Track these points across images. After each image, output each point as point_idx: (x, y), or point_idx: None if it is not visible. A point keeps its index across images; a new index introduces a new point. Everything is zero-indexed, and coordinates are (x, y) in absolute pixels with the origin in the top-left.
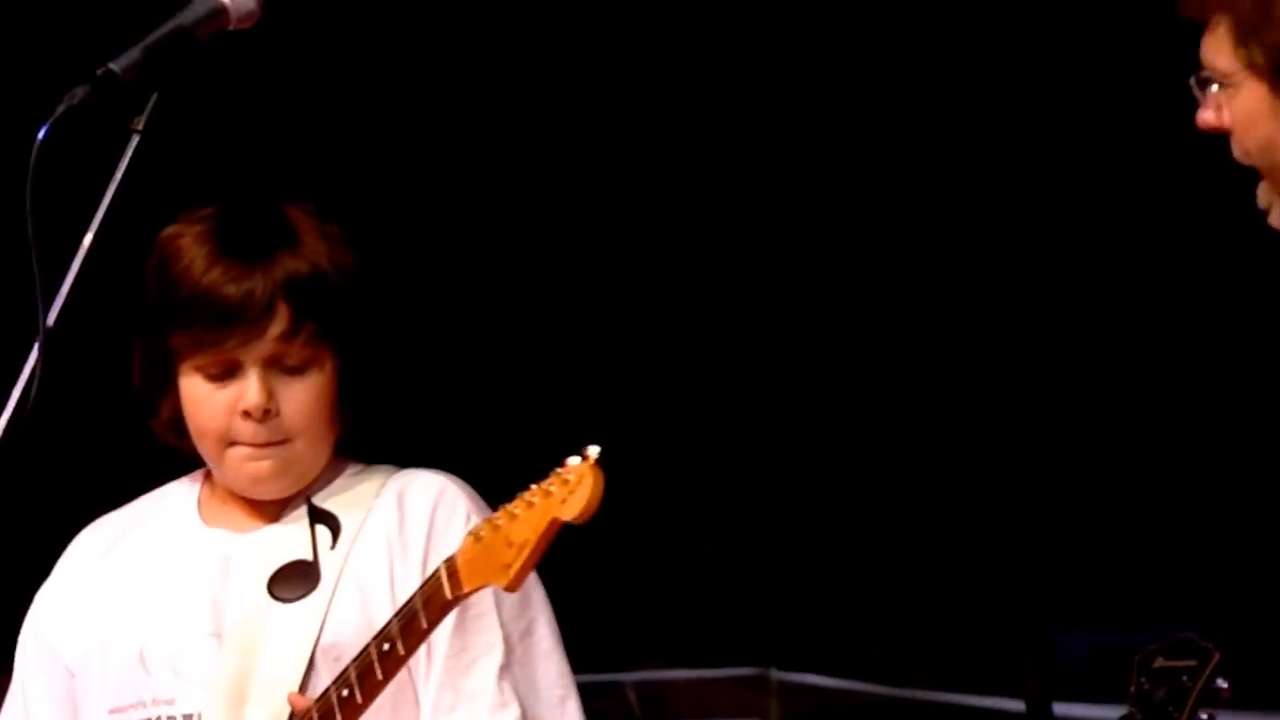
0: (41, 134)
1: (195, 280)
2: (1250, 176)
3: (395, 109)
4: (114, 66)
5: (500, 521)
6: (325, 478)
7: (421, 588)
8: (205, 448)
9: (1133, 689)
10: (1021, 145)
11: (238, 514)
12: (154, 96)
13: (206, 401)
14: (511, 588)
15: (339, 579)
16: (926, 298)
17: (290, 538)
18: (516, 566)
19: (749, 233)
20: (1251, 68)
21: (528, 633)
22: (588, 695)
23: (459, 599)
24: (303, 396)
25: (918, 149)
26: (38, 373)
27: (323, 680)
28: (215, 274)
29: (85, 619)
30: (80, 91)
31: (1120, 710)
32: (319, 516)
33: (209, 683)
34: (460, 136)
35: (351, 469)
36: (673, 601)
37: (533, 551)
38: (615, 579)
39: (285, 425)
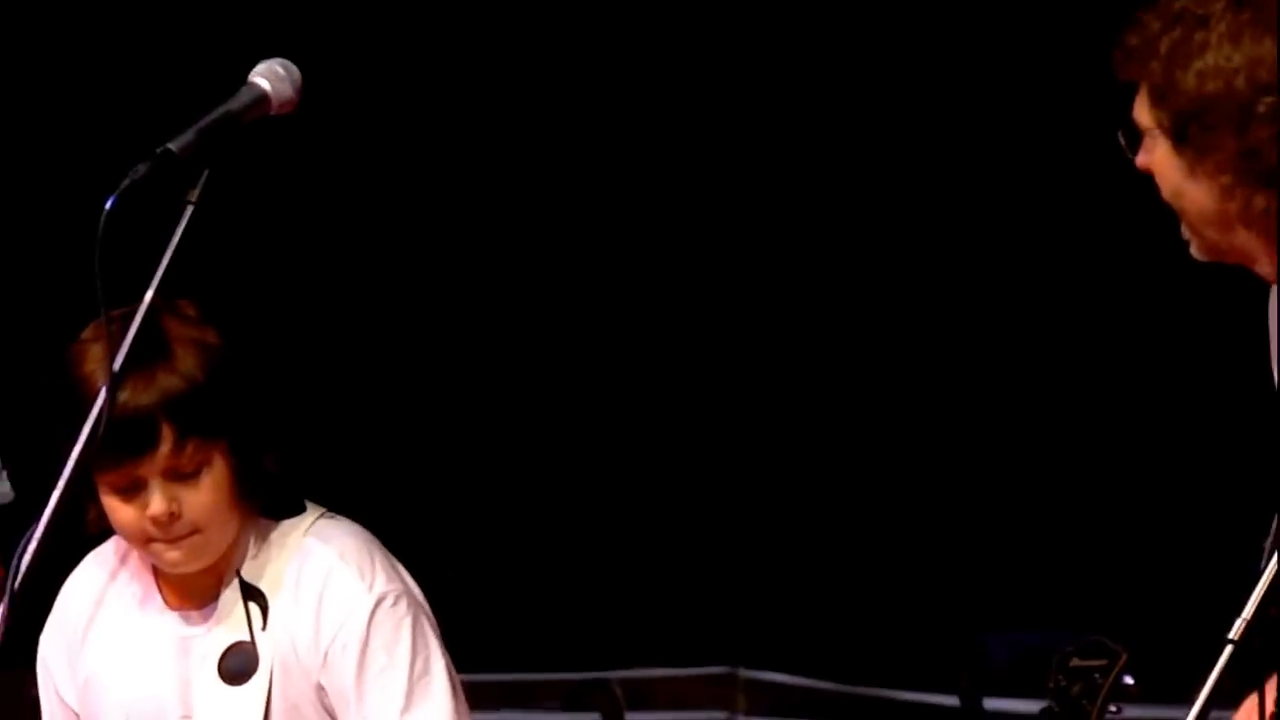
0: (108, 204)
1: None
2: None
3: (394, 111)
4: (171, 146)
5: None
6: (249, 543)
7: None
8: (129, 543)
9: (1051, 685)
10: (1013, 144)
11: (187, 588)
12: (205, 172)
13: (120, 511)
14: None
15: (272, 662)
16: (879, 322)
17: (230, 617)
18: None
19: (723, 232)
20: (1160, 127)
21: (423, 674)
22: (581, 690)
23: None
24: (201, 497)
25: (914, 147)
26: (106, 411)
27: None
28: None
29: (81, 688)
30: (142, 168)
31: (1041, 704)
32: (250, 593)
33: None
34: (458, 138)
35: (271, 531)
36: (653, 607)
37: None
38: (602, 588)
39: (190, 521)
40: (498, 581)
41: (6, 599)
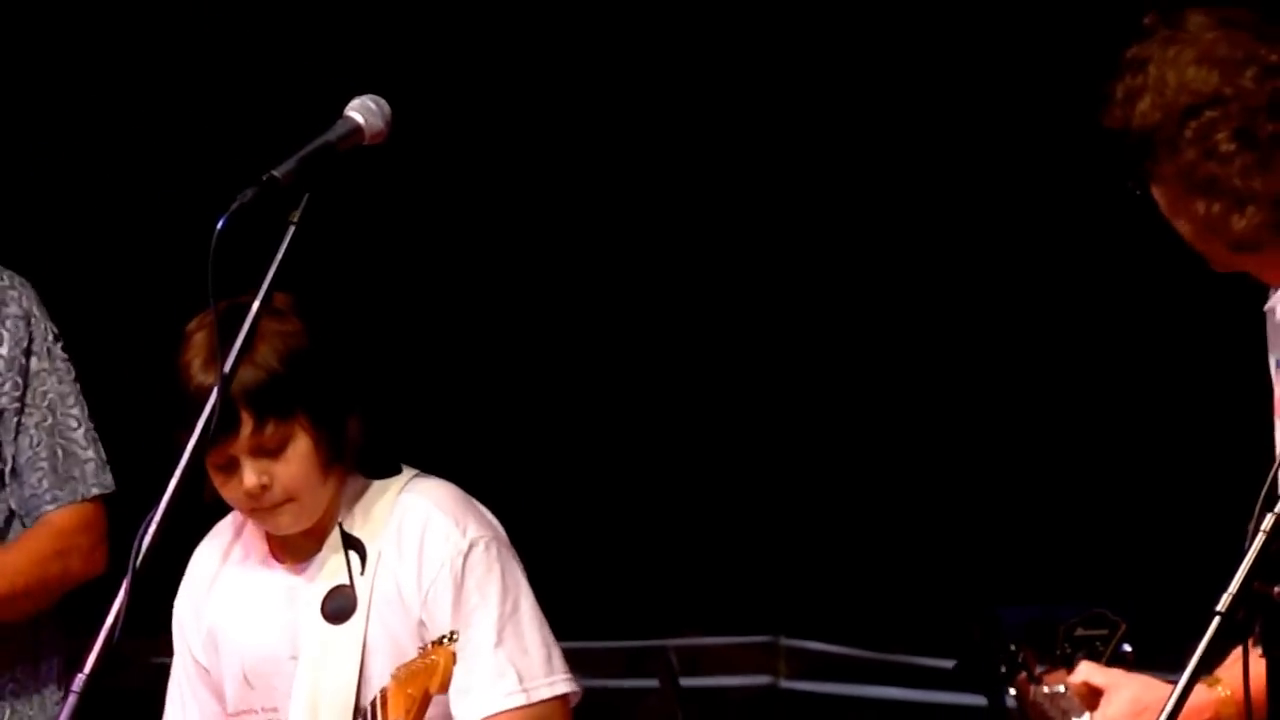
0: (220, 224)
1: (187, 393)
2: None
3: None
4: (276, 173)
5: (403, 673)
6: (349, 500)
7: (370, 708)
8: (238, 512)
9: (1058, 653)
10: (1013, 144)
11: (294, 546)
12: (306, 196)
13: (223, 489)
14: None
15: (369, 603)
16: (891, 293)
17: (332, 566)
18: (413, 714)
19: (753, 206)
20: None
21: (513, 612)
22: (638, 657)
23: None
24: (288, 469)
25: (913, 146)
26: (218, 409)
27: (372, 689)
28: (194, 387)
29: (205, 639)
30: (250, 192)
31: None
32: (350, 543)
33: (293, 695)
34: (456, 140)
35: (369, 488)
36: (702, 581)
37: (420, 706)
38: (656, 563)
39: (282, 490)
40: (559, 557)
41: (129, 576)
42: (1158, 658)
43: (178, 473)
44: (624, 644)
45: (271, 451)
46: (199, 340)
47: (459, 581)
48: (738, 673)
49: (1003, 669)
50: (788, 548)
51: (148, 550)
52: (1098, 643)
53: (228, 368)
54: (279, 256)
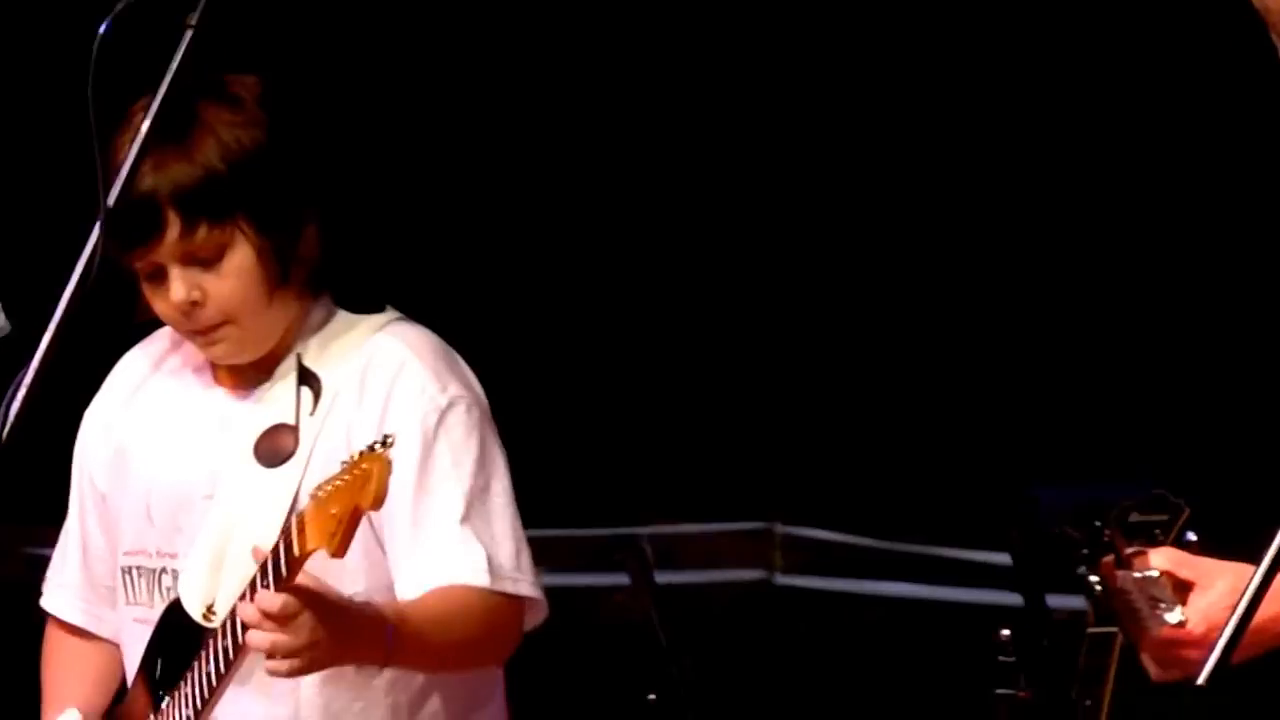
0: (102, 29)
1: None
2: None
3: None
4: None
5: (325, 491)
6: (312, 328)
7: (281, 537)
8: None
9: (1106, 541)
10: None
11: (239, 369)
12: None
13: (153, 300)
14: (336, 555)
15: (313, 448)
16: (918, 196)
17: (277, 399)
18: (339, 538)
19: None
20: None
21: (484, 489)
22: (608, 547)
23: (305, 556)
24: (223, 284)
25: (913, 145)
26: (99, 247)
27: None
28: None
29: (110, 458)
30: None
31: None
32: (305, 377)
33: (197, 542)
34: (454, 137)
35: (337, 318)
36: (683, 460)
37: (347, 528)
38: (634, 442)
39: (218, 311)
40: (517, 433)
41: None
42: (1227, 548)
43: (52, 326)
44: (589, 532)
45: (204, 261)
46: (136, 125)
47: (429, 441)
48: (724, 566)
49: (1085, 550)
50: (782, 420)
51: (16, 418)
52: (1157, 530)
53: (111, 199)
54: (172, 70)
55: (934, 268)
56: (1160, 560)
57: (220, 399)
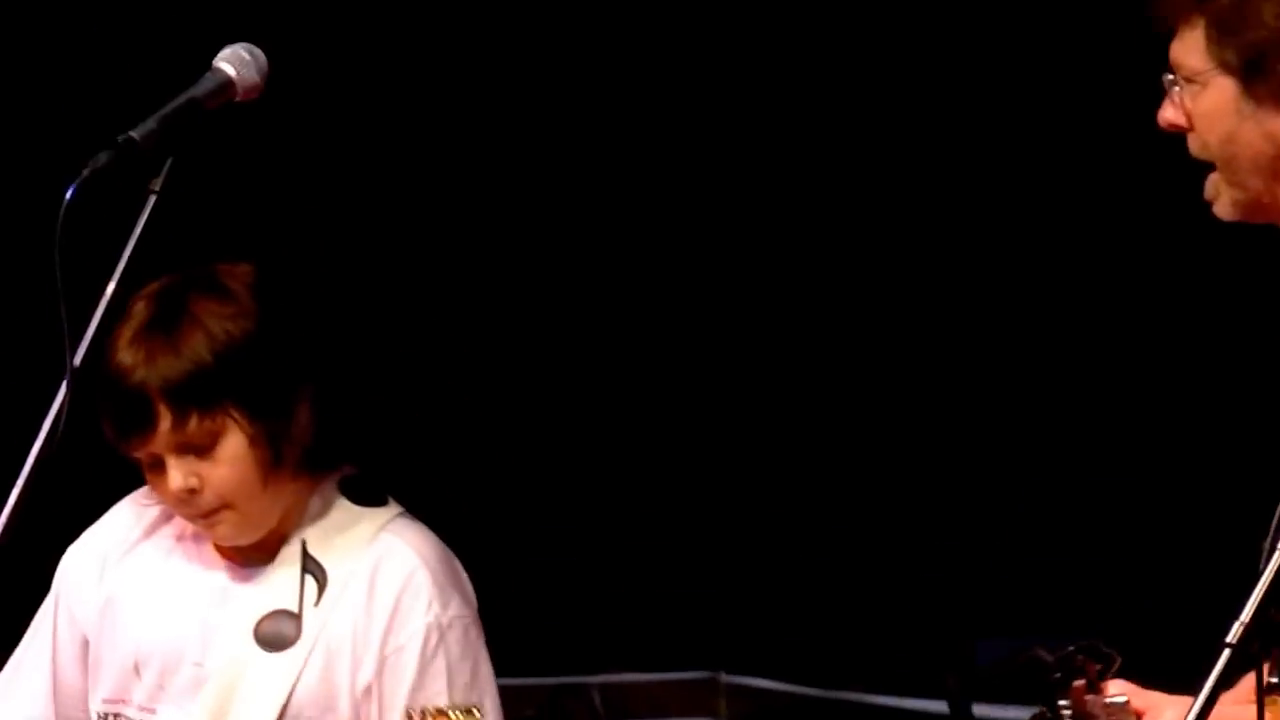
0: (69, 194)
1: (106, 370)
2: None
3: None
4: (134, 134)
5: None
6: (315, 514)
7: None
8: None
9: (1045, 690)
10: (1012, 144)
11: (243, 546)
12: (169, 160)
13: (154, 486)
14: None
15: (316, 640)
16: (868, 325)
17: (280, 584)
18: None
19: (700, 245)
20: (1223, 66)
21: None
22: (558, 695)
23: None
24: (218, 470)
25: (912, 146)
26: (65, 407)
27: None
28: (112, 371)
29: (100, 606)
30: (104, 156)
31: (1032, 710)
32: (310, 565)
33: (189, 712)
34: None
35: (339, 506)
36: (632, 610)
37: None
38: (582, 590)
39: (215, 496)
40: (473, 581)
41: None
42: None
43: (19, 483)
44: (538, 681)
45: (199, 449)
46: (138, 312)
47: (427, 657)
48: (671, 714)
49: (1057, 674)
50: (728, 568)
51: None
52: (1088, 679)
53: (77, 360)
54: (136, 233)
55: (873, 408)
56: (1117, 689)
57: (220, 571)
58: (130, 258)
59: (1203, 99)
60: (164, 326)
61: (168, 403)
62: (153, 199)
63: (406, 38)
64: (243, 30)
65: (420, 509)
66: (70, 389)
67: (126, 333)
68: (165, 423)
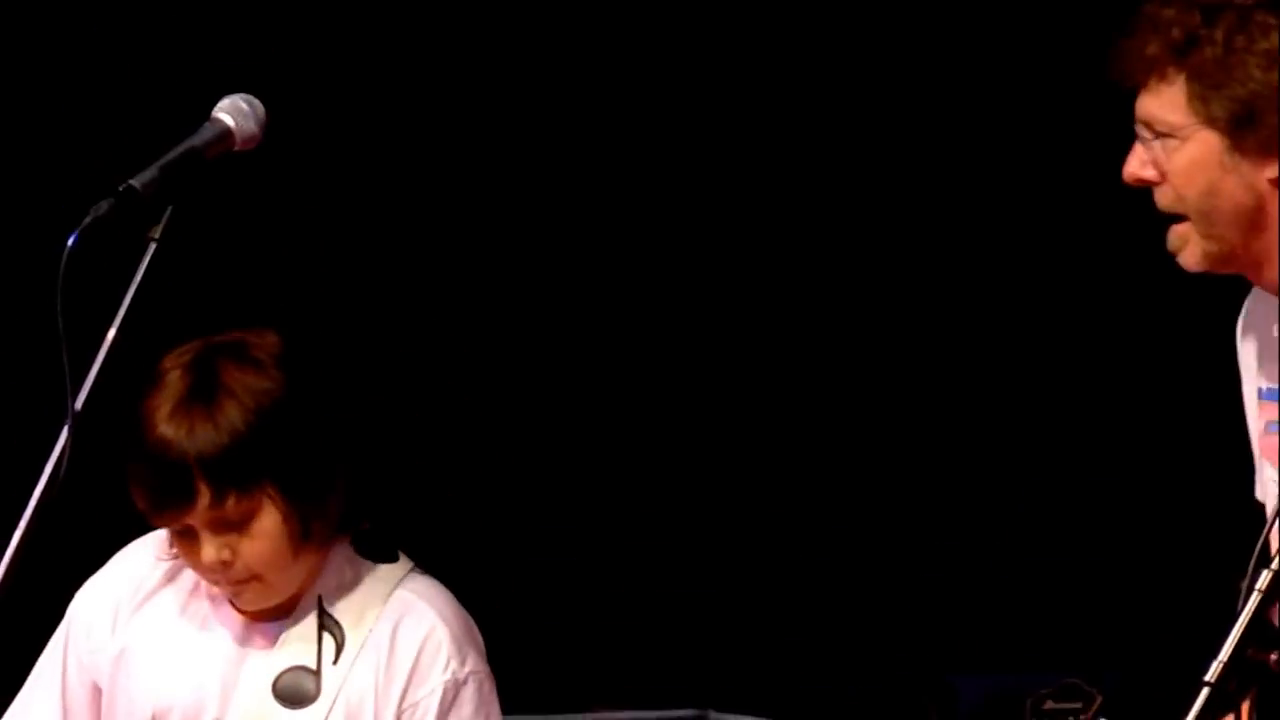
0: (70, 242)
1: (145, 444)
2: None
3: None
4: (134, 183)
5: None
6: (332, 572)
7: None
8: None
9: None
10: (1011, 144)
11: None
12: (169, 209)
13: (183, 553)
14: None
15: (335, 698)
16: (846, 362)
17: (299, 639)
18: None
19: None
20: (1207, 120)
21: None
22: None
23: None
24: (253, 545)
25: (913, 148)
26: (66, 452)
27: None
28: (152, 444)
29: (115, 656)
30: (104, 205)
31: None
32: (327, 623)
33: None
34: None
35: (359, 570)
36: (624, 649)
37: None
38: (574, 628)
39: (245, 568)
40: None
41: None
42: None
43: (21, 526)
44: (535, 718)
45: (234, 525)
46: (172, 382)
47: (443, 712)
48: None
49: None
50: (716, 608)
51: None
52: (1070, 718)
53: (79, 404)
54: (137, 280)
55: (867, 460)
56: None
57: (237, 626)
58: (130, 305)
59: (1182, 153)
60: (204, 399)
61: (207, 479)
62: (152, 246)
63: (402, 90)
64: (241, 80)
65: (410, 547)
66: (72, 433)
67: (164, 405)
68: (204, 499)
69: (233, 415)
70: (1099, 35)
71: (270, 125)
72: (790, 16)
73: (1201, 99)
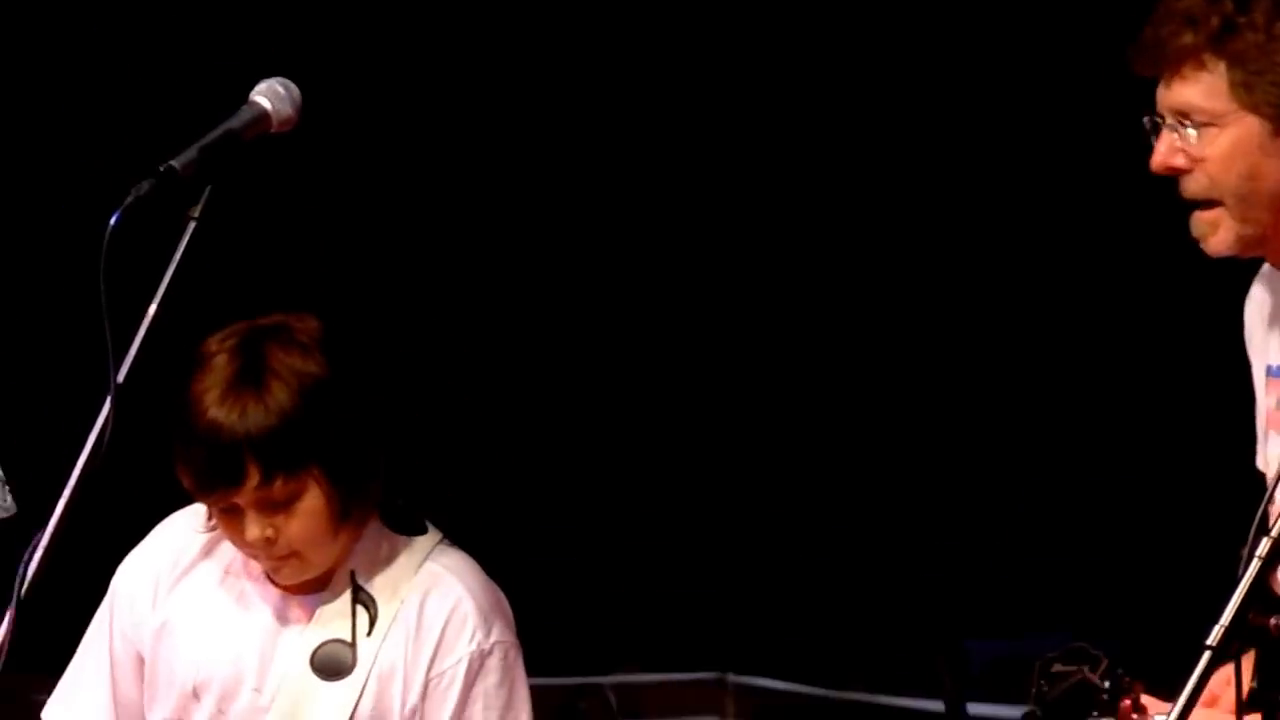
0: (113, 221)
1: (196, 428)
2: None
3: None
4: (174, 164)
5: None
6: (366, 548)
7: None
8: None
9: (1034, 690)
10: (1012, 145)
11: None
12: (208, 189)
13: (225, 529)
14: None
15: (371, 668)
16: (865, 331)
17: (334, 612)
18: None
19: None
20: (1252, 107)
21: None
22: (574, 695)
23: None
24: (296, 523)
25: (913, 148)
26: (109, 424)
27: None
28: (203, 427)
29: (157, 629)
30: (146, 185)
31: (1023, 709)
32: (361, 597)
33: None
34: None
35: (390, 544)
36: (643, 614)
37: None
38: (596, 594)
39: (287, 546)
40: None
41: (13, 606)
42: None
43: (65, 494)
44: (556, 681)
45: (279, 504)
46: (219, 365)
47: (469, 682)
48: (681, 713)
49: (1105, 694)
50: (735, 574)
51: (34, 578)
52: (1076, 679)
53: (121, 377)
54: (177, 258)
55: (866, 420)
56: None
57: (274, 599)
58: (170, 281)
59: (1222, 139)
60: (253, 382)
61: (257, 460)
62: (192, 225)
63: (440, 81)
64: (278, 65)
65: (435, 516)
66: (114, 405)
67: (214, 388)
68: (253, 480)
69: (281, 397)
70: (1099, 35)
71: (306, 109)
72: (792, 17)
73: (1245, 85)
